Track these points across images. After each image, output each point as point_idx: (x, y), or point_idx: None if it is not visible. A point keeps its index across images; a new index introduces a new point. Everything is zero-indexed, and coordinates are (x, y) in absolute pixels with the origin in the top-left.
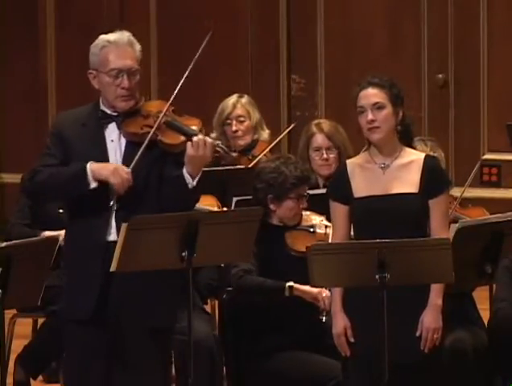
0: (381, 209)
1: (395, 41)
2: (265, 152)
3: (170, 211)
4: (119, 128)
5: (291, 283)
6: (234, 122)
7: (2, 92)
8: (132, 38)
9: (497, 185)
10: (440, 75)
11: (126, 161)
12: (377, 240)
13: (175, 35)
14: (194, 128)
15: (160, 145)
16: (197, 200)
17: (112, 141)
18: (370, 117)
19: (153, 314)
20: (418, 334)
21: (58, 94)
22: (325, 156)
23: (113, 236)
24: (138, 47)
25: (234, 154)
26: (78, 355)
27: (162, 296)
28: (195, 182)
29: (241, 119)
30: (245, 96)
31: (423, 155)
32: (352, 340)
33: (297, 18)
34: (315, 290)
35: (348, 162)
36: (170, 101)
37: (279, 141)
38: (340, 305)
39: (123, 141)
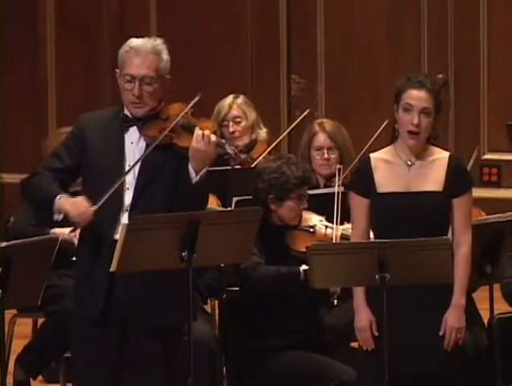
0: (404, 206)
1: (395, 41)
2: (265, 153)
3: (179, 210)
4: (140, 131)
5: (304, 266)
6: (231, 123)
7: (2, 93)
8: (160, 47)
9: (497, 185)
10: (440, 75)
11: (145, 163)
12: (377, 240)
13: (174, 36)
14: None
15: (176, 148)
16: (204, 200)
17: (132, 143)
18: (416, 120)
19: (161, 313)
20: (441, 333)
21: (58, 94)
22: (326, 156)
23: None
24: (164, 56)
25: (243, 156)
26: (85, 356)
27: (170, 295)
28: (198, 178)
29: (238, 120)
30: (241, 96)
31: (447, 154)
32: (376, 334)
33: (297, 18)
34: None
35: (372, 156)
36: (189, 106)
37: (279, 141)
38: (364, 299)
39: (143, 143)
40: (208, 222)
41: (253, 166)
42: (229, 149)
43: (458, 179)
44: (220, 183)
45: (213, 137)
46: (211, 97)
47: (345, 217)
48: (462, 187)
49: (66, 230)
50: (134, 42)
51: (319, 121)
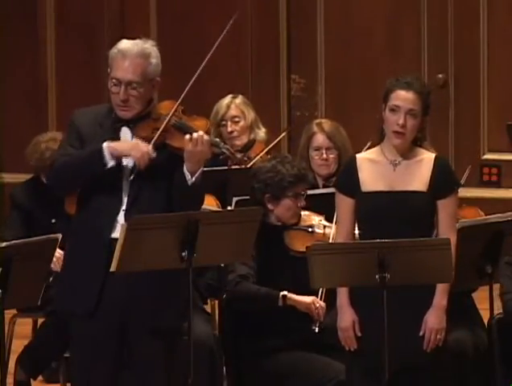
0: (388, 205)
1: (395, 41)
2: (262, 153)
3: (177, 211)
4: (132, 132)
5: (284, 292)
6: (229, 123)
7: (2, 92)
8: (149, 50)
9: (497, 185)
10: (440, 75)
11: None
12: (377, 240)
13: (175, 35)
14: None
15: (169, 149)
16: (200, 199)
17: None
18: (402, 121)
19: (158, 313)
20: (421, 333)
21: (58, 94)
22: (325, 156)
23: (118, 234)
24: (153, 60)
25: (239, 156)
26: (83, 355)
27: (168, 295)
28: (194, 179)
29: (236, 120)
30: (240, 96)
31: (433, 155)
32: (359, 334)
33: (297, 17)
34: (308, 300)
35: (358, 156)
36: (177, 103)
37: (279, 141)
38: (347, 298)
39: None
40: (208, 222)
41: (249, 165)
42: (224, 149)
43: (443, 181)
44: (218, 184)
45: (206, 136)
46: (211, 97)
47: None
48: (447, 189)
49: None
50: (123, 44)
51: (317, 121)
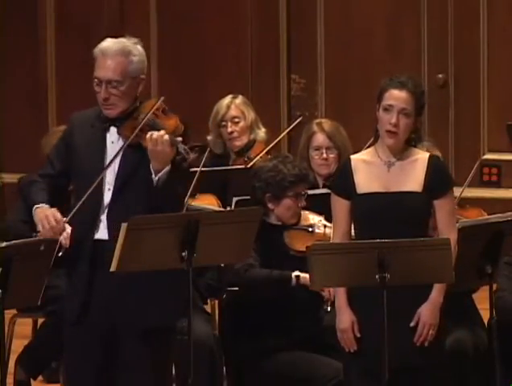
0: (383, 206)
1: (395, 41)
2: (263, 153)
3: (159, 210)
4: (118, 132)
5: (297, 272)
6: (229, 124)
7: (2, 92)
8: (130, 48)
9: (497, 185)
10: (440, 75)
11: (124, 162)
12: (377, 240)
13: (175, 35)
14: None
15: (144, 148)
16: (172, 199)
17: (112, 142)
18: (395, 120)
19: (148, 313)
20: (412, 324)
21: (58, 94)
22: (325, 156)
23: (101, 235)
24: (135, 57)
25: (193, 156)
26: (73, 356)
27: (158, 295)
28: (157, 178)
29: (236, 120)
30: (240, 96)
31: (427, 155)
32: (358, 335)
33: (297, 17)
34: None
35: (353, 157)
36: (159, 102)
37: (279, 141)
38: (346, 300)
39: (122, 143)
40: (208, 222)
41: (249, 165)
42: (181, 148)
43: (438, 180)
44: (219, 184)
45: (166, 136)
46: (211, 97)
47: None
48: (442, 188)
49: None
50: (104, 43)
51: (317, 120)
